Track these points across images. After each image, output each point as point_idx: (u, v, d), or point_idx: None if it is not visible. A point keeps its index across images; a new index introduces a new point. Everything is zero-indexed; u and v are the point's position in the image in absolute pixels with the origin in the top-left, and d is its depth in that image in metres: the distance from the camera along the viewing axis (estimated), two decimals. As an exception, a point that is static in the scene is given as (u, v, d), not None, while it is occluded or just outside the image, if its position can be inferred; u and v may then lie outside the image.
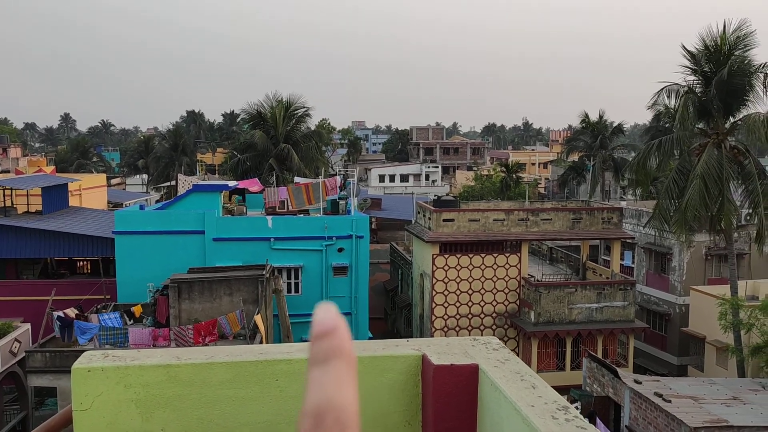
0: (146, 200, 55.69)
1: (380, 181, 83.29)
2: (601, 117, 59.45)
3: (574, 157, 63.82)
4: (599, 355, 27.64)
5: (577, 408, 22.89)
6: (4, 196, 38.11)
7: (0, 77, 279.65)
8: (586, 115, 59.19)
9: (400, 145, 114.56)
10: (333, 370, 0.69)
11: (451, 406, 2.42)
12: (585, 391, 24.32)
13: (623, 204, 41.16)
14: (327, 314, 0.73)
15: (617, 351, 31.63)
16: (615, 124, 60.37)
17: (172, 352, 2.50)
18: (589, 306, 30.77)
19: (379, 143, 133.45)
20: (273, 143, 46.58)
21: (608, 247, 36.63)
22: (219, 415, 2.45)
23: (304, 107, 48.54)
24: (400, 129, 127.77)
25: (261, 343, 24.28)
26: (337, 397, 0.67)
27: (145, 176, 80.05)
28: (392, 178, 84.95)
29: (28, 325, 26.90)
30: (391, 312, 40.45)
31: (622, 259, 35.48)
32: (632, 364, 31.70)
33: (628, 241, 36.19)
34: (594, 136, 58.15)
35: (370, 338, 31.53)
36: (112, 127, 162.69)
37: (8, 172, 61.69)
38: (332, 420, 0.66)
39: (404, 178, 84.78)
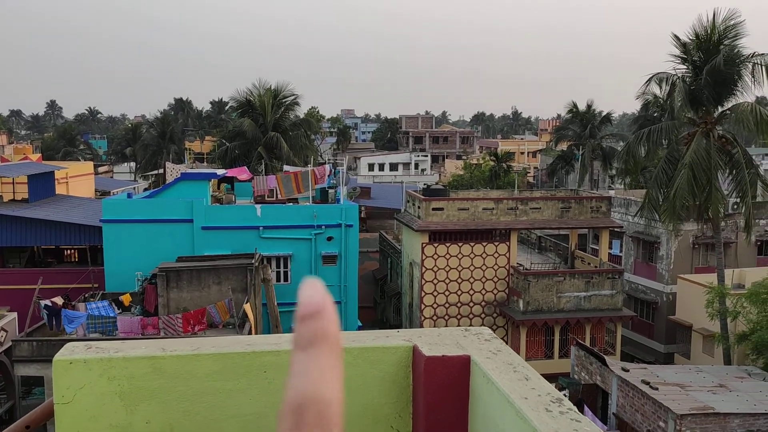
0: (134, 188, 55.26)
1: (369, 170, 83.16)
2: (589, 106, 59.56)
3: (563, 146, 63.95)
4: (587, 344, 27.83)
5: (565, 395, 23.08)
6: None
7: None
8: (574, 105, 59.27)
9: (389, 134, 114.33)
10: (317, 356, 0.65)
11: (443, 398, 2.37)
12: (573, 379, 24.48)
13: (612, 193, 41.32)
14: (314, 293, 0.67)
15: (605, 339, 31.85)
16: (603, 114, 60.55)
17: (157, 344, 2.44)
18: (577, 294, 30.93)
19: (369, 132, 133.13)
20: (262, 131, 46.33)
21: (597, 236, 36.81)
22: (205, 407, 2.40)
23: (292, 95, 48.29)
24: (389, 118, 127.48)
25: (250, 331, 24.24)
26: (320, 388, 0.63)
27: (132, 164, 79.49)
28: (381, 167, 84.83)
29: (14, 314, 26.68)
30: (381, 301, 40.50)
31: (610, 247, 35.66)
32: (620, 352, 31.95)
33: (616, 230, 36.36)
34: (583, 126, 58.27)
35: (359, 327, 31.57)
36: (99, 115, 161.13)
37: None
38: (314, 415, 0.62)
39: (393, 166, 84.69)
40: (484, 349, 2.48)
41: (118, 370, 2.33)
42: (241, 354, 2.41)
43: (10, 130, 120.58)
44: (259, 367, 2.40)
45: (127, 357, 2.33)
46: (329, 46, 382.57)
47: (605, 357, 23.36)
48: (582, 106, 59.32)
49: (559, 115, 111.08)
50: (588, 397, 22.79)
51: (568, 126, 62.66)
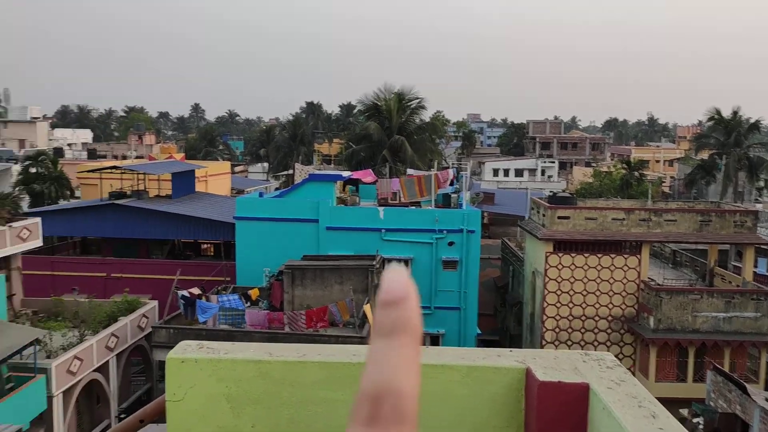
0: (266, 188, 57.91)
1: (494, 175, 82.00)
2: (735, 113, 55.25)
3: (704, 154, 59.76)
4: (726, 369, 25.71)
5: (699, 424, 21.43)
6: (138, 180, 40.94)
7: (137, 67, 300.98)
8: (717, 111, 55.19)
9: (515, 139, 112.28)
10: (397, 346, 0.64)
11: (557, 427, 2.19)
12: (708, 406, 22.71)
13: (759, 207, 38.02)
14: (397, 279, 0.66)
15: (747, 365, 29.31)
16: (752, 121, 55.93)
17: (265, 348, 2.44)
18: (715, 315, 28.70)
19: (494, 137, 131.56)
20: (387, 135, 47.00)
21: (740, 253, 33.96)
22: (310, 416, 2.36)
23: (417, 98, 48.60)
24: (516, 123, 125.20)
25: (369, 332, 24.58)
26: (397, 380, 0.62)
27: (266, 164, 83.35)
28: (506, 173, 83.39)
29: (155, 302, 28.64)
30: (501, 309, 39.73)
31: (755, 266, 32.77)
32: (764, 380, 29.26)
33: (762, 247, 33.36)
34: (727, 133, 54.14)
35: (478, 335, 31.15)
36: (237, 117, 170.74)
37: (142, 157, 66.21)
38: (390, 408, 0.61)
39: (519, 172, 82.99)
40: (606, 378, 2.27)
41: (227, 371, 2.35)
42: (346, 364, 2.35)
43: (158, 130, 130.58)
44: (365, 379, 2.34)
45: (235, 360, 2.34)
46: (457, 52, 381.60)
47: (746, 385, 21.46)
48: (726, 112, 55.16)
49: (700, 122, 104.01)
50: (725, 428, 21.04)
51: (710, 134, 58.49)
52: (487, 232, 46.07)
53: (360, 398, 0.62)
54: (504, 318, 38.83)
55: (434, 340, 30.20)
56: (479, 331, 31.70)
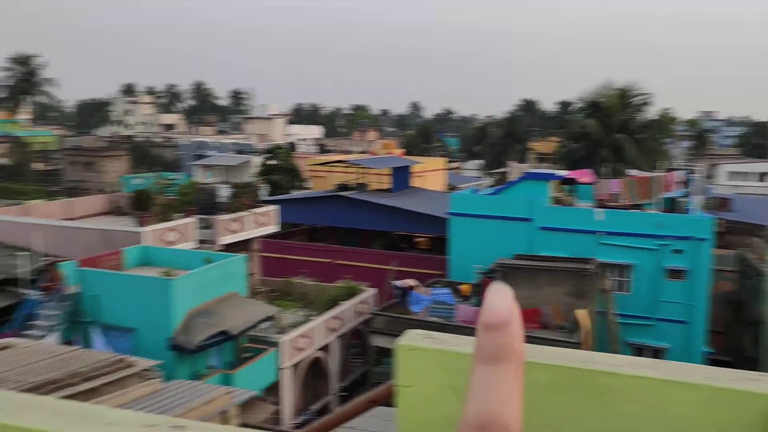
0: (478, 185, 58.16)
1: (731, 179, 73.93)
2: None
3: None
4: None
5: None
6: (360, 173, 43.44)
7: (365, 69, 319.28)
8: None
9: (758, 139, 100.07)
10: (501, 375, 0.62)
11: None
12: None
13: None
14: (501, 301, 0.63)
15: None
16: None
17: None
18: None
19: (732, 136, 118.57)
20: (607, 133, 44.61)
21: None
22: (538, 417, 2.31)
23: (641, 95, 45.42)
24: (759, 121, 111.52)
25: (582, 339, 23.62)
26: (503, 412, 0.61)
27: (479, 161, 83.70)
28: (746, 176, 74.74)
29: (375, 290, 30.08)
30: (735, 327, 35.73)
31: None
32: None
33: None
34: None
35: (707, 353, 28.39)
36: (452, 115, 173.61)
37: (365, 152, 70.12)
38: None
39: (762, 176, 73.91)
40: None
41: (452, 363, 2.37)
42: (575, 369, 2.26)
43: (380, 127, 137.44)
44: (594, 388, 2.22)
45: (460, 353, 2.36)
46: (689, 40, 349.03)
47: None
48: None
49: None
50: None
51: None
52: (722, 242, 41.67)
53: (463, 428, 0.62)
54: (739, 337, 34.88)
55: (655, 354, 28.13)
56: (708, 349, 28.88)
